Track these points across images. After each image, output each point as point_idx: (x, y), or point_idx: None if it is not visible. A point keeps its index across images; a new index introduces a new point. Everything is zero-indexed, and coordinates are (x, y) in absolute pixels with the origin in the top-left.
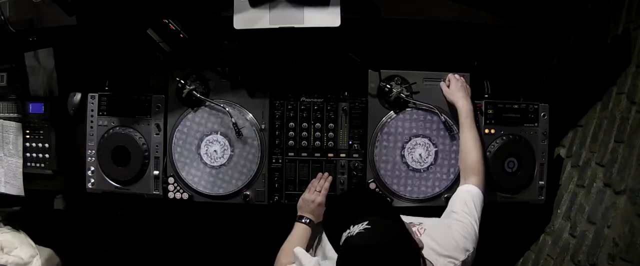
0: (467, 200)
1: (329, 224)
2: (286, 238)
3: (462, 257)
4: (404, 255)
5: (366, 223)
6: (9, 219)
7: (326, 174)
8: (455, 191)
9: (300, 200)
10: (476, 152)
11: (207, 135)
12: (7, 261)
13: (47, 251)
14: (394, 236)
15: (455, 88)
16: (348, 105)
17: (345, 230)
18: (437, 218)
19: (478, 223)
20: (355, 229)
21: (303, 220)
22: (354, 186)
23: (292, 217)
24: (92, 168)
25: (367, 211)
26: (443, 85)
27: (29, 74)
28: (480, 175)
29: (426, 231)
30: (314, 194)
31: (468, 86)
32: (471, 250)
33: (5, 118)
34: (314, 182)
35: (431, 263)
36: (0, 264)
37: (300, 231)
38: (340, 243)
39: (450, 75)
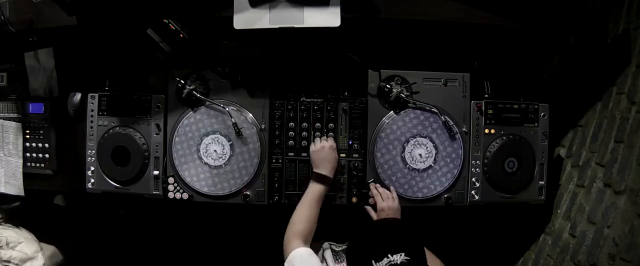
0: None
1: (361, 248)
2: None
3: None
4: None
5: (404, 254)
6: (10, 217)
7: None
8: (455, 191)
9: (311, 153)
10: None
11: (207, 135)
12: (11, 256)
13: (51, 248)
14: None
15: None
16: (348, 105)
17: (382, 257)
18: None
19: None
20: (396, 258)
21: (317, 178)
22: (387, 220)
23: None
24: (92, 168)
25: (404, 244)
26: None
27: (29, 74)
28: None
29: None
30: (322, 141)
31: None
32: None
33: (5, 118)
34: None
35: None
36: (4, 260)
37: (314, 193)
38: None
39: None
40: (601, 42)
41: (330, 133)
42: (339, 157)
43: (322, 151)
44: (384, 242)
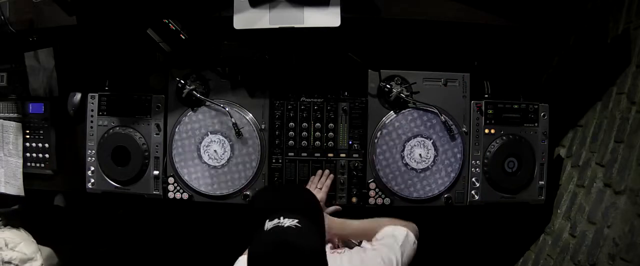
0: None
1: (258, 205)
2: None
3: None
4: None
5: (297, 221)
6: (9, 218)
7: (327, 172)
8: (455, 191)
9: None
10: (389, 220)
11: (207, 135)
12: (11, 257)
13: (47, 249)
14: (318, 246)
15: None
16: (348, 105)
17: (274, 218)
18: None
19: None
20: (286, 221)
21: None
22: (290, 182)
23: None
24: (92, 168)
25: (300, 211)
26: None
27: (29, 74)
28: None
29: (345, 253)
30: (315, 191)
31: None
32: None
33: (5, 118)
34: (314, 178)
35: None
36: (5, 261)
37: None
38: (265, 228)
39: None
40: (601, 42)
41: (328, 183)
42: (339, 157)
43: None
44: (280, 203)
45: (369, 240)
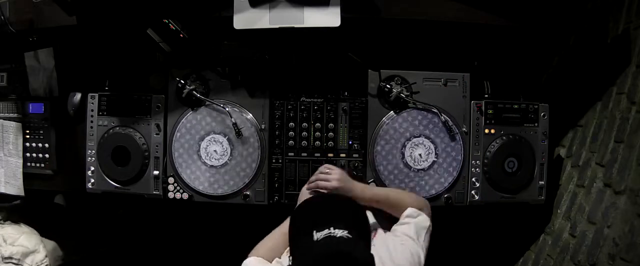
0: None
1: (306, 215)
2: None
3: None
4: None
5: (347, 232)
6: (10, 214)
7: (332, 166)
8: (455, 191)
9: (303, 190)
10: (407, 192)
11: (207, 135)
12: (12, 252)
13: (51, 243)
14: (369, 256)
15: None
16: (348, 105)
17: (323, 229)
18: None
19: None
20: (337, 232)
21: None
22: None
23: None
24: (92, 168)
25: (350, 222)
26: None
27: (29, 74)
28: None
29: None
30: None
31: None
32: None
33: (5, 118)
34: (320, 171)
35: None
36: (6, 257)
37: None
38: (315, 239)
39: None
40: (601, 42)
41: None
42: (339, 157)
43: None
44: (328, 215)
45: (386, 210)
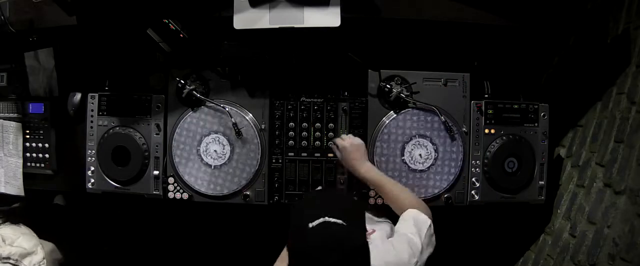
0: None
1: (303, 207)
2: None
3: None
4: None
5: (342, 221)
6: (9, 215)
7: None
8: (455, 191)
9: (341, 151)
10: (406, 192)
11: (207, 135)
12: (10, 252)
13: (50, 244)
14: (362, 241)
15: (348, 156)
16: (348, 105)
17: (318, 218)
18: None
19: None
20: (331, 219)
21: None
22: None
23: None
24: (92, 168)
25: (345, 213)
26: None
27: (29, 74)
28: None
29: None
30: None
31: (357, 144)
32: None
33: (5, 118)
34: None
35: None
36: (4, 257)
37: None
38: (310, 226)
39: (338, 141)
40: (601, 42)
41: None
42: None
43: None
44: (324, 206)
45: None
